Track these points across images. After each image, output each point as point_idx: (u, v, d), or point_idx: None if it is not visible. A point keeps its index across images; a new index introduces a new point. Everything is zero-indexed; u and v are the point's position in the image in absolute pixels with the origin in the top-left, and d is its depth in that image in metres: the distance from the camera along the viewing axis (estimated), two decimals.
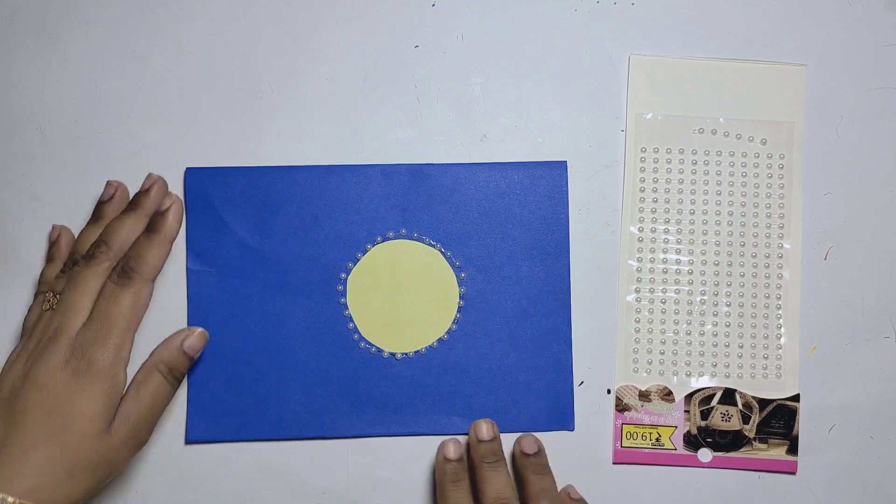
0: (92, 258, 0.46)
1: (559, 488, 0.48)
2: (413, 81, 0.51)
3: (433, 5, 0.51)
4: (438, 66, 0.51)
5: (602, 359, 0.50)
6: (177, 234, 0.49)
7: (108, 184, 0.49)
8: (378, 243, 0.50)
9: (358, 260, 0.50)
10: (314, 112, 0.51)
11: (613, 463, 0.50)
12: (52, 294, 0.47)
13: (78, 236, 0.49)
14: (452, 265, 0.50)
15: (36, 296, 0.48)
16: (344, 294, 0.50)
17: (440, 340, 0.50)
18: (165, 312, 0.49)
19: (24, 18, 0.51)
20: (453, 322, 0.50)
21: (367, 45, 0.51)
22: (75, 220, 0.50)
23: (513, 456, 0.49)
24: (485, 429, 0.47)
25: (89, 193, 0.50)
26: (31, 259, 0.50)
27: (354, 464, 0.50)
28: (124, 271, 0.46)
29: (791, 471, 0.50)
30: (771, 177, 0.51)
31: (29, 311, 0.48)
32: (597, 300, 0.50)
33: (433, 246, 0.50)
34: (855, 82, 0.51)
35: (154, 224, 0.48)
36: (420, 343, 0.50)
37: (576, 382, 0.50)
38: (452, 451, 0.47)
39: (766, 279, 0.50)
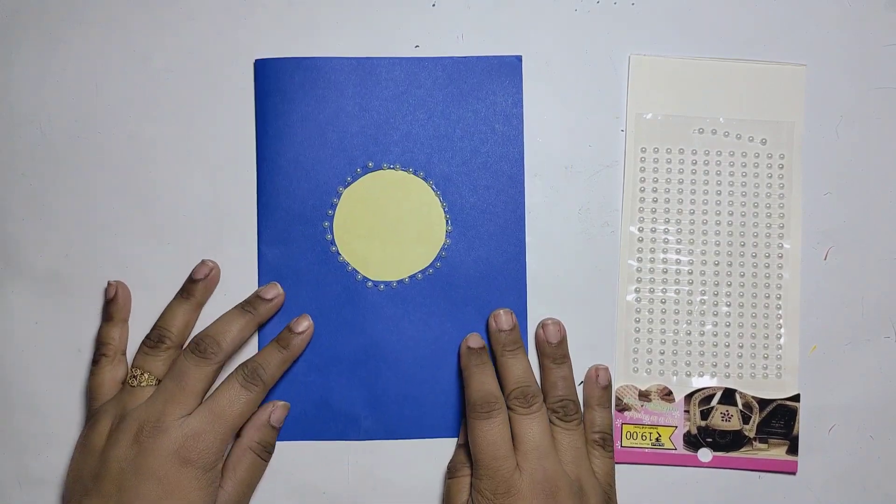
0: (203, 356, 0.46)
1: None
2: None
3: (433, 5, 0.51)
4: None
5: (602, 359, 0.50)
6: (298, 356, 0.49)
7: (203, 263, 0.49)
8: (358, 176, 0.50)
9: (340, 195, 0.50)
10: None
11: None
12: (141, 372, 0.47)
13: (167, 311, 0.49)
14: (431, 187, 0.50)
15: (99, 356, 0.48)
16: (332, 235, 0.50)
17: (438, 259, 0.50)
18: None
19: (24, 18, 0.51)
20: (445, 240, 0.50)
21: (367, 45, 0.51)
22: (76, 221, 0.50)
23: (536, 338, 0.49)
24: (504, 319, 0.48)
25: (89, 193, 0.50)
26: (32, 259, 0.50)
27: (355, 464, 0.50)
28: (253, 377, 0.47)
29: (791, 471, 0.50)
30: (771, 177, 0.51)
31: (94, 372, 0.48)
32: (597, 300, 0.50)
33: (407, 171, 0.50)
34: (855, 82, 0.51)
35: (287, 341, 0.48)
36: (413, 269, 0.50)
37: (576, 382, 0.50)
38: (474, 341, 0.48)
39: (766, 279, 0.50)
